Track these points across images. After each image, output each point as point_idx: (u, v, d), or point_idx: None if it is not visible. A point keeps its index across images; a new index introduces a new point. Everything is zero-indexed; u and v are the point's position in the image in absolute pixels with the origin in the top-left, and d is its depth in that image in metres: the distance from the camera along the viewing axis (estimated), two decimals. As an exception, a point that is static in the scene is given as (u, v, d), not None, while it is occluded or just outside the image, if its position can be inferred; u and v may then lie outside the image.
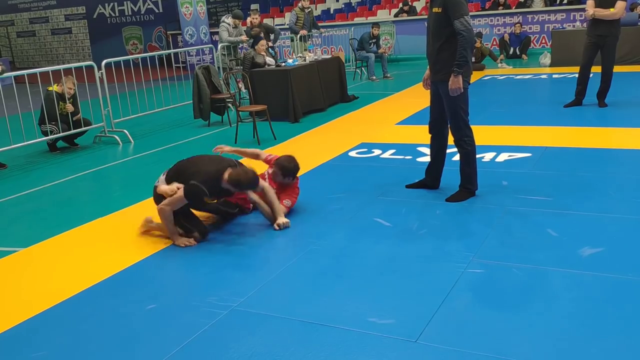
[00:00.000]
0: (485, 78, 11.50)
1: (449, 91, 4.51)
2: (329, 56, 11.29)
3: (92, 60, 14.83)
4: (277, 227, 4.43)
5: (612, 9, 7.57)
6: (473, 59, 12.36)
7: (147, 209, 4.95)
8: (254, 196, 4.55)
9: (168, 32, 20.57)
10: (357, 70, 13.16)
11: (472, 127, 4.75)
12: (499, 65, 12.91)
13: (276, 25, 15.44)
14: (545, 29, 15.01)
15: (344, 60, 10.67)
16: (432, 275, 3.56)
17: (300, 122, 8.67)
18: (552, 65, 12.40)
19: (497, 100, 9.03)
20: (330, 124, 8.39)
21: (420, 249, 3.94)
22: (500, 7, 15.64)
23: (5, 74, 7.61)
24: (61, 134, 7.66)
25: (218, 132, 8.51)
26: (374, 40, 12.56)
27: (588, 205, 4.48)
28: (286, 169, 4.64)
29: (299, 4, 12.33)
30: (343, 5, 19.24)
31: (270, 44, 10.71)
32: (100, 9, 22.88)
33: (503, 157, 5.93)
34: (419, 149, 6.34)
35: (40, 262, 4.21)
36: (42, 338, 3.17)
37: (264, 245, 4.22)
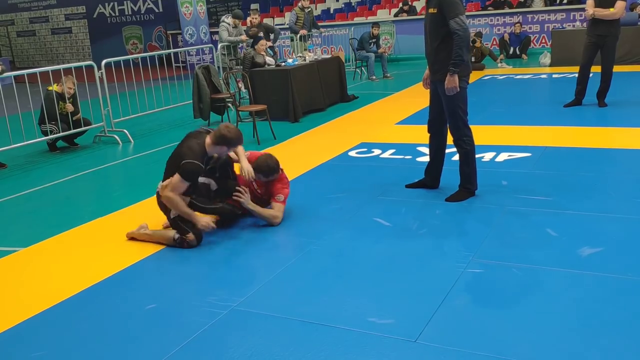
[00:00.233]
0: (485, 78, 11.49)
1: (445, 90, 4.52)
2: (329, 56, 11.28)
3: (92, 59, 14.87)
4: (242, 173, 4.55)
5: (611, 9, 7.57)
6: (473, 59, 12.37)
7: (147, 209, 4.95)
8: (249, 205, 4.52)
9: (168, 32, 20.56)
10: (357, 70, 13.15)
11: (472, 126, 4.75)
12: (499, 65, 12.91)
13: (276, 25, 15.44)
14: (545, 29, 15.01)
15: (343, 60, 10.66)
16: (432, 274, 3.56)
17: (300, 122, 8.67)
18: (552, 65, 12.40)
19: (496, 100, 9.03)
20: (330, 123, 8.39)
21: (420, 248, 3.95)
22: (506, 7, 15.62)
23: (5, 74, 7.61)
24: (61, 134, 7.66)
25: (218, 131, 8.50)
26: (373, 40, 12.56)
27: (587, 205, 4.48)
28: (266, 169, 4.54)
29: (299, 4, 12.32)
30: (343, 5, 19.24)
31: (270, 43, 10.71)
32: (100, 9, 22.87)
33: (503, 156, 5.93)
34: (419, 148, 6.35)
35: (39, 262, 4.21)
36: (42, 338, 3.17)
37: (263, 245, 4.21)
